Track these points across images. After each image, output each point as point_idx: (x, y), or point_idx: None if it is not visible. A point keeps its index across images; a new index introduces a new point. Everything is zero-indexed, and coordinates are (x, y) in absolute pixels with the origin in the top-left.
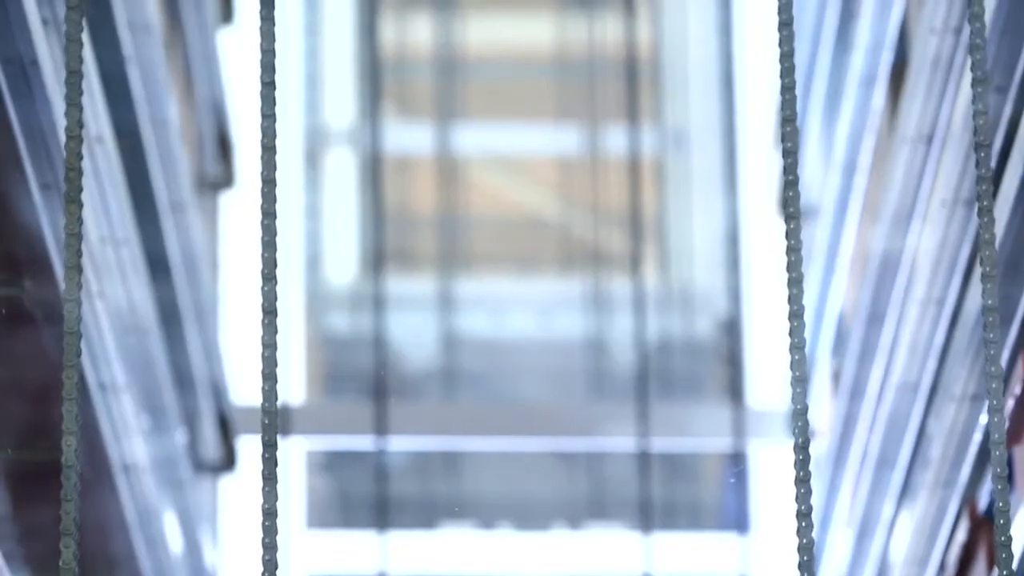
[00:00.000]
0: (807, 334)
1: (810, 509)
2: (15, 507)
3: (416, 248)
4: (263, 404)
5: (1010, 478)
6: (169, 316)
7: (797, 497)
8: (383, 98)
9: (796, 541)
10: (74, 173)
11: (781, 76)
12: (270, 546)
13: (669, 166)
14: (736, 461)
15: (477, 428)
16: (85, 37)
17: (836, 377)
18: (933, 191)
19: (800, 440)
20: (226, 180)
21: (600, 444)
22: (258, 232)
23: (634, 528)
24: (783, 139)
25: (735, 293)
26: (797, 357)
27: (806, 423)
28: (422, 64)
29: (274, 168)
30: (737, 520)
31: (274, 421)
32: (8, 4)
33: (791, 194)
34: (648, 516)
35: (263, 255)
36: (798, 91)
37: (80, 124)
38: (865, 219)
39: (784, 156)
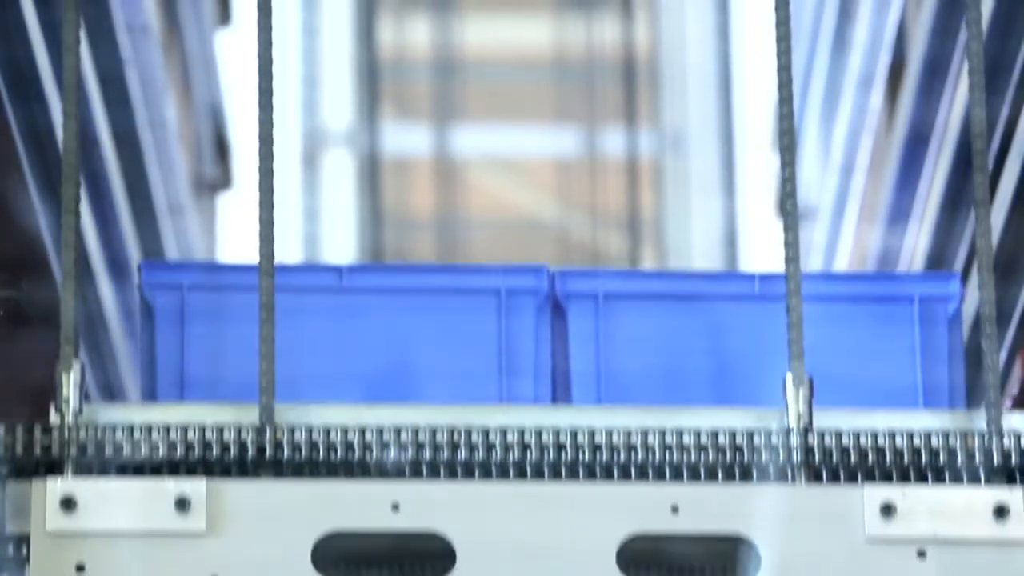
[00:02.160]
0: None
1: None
2: None
3: (414, 250)
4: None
5: None
6: None
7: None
8: (381, 100)
9: None
10: (71, 184)
11: (778, 78)
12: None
13: (667, 168)
14: None
15: None
16: (83, 40)
17: None
18: (930, 192)
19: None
20: (224, 182)
21: None
22: (256, 232)
23: None
24: (781, 140)
25: None
26: (795, 359)
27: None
28: (420, 66)
29: (272, 167)
30: None
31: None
32: (6, 7)
33: (789, 196)
34: None
35: (261, 253)
36: (796, 92)
37: (78, 137)
38: (863, 220)
39: (782, 157)
